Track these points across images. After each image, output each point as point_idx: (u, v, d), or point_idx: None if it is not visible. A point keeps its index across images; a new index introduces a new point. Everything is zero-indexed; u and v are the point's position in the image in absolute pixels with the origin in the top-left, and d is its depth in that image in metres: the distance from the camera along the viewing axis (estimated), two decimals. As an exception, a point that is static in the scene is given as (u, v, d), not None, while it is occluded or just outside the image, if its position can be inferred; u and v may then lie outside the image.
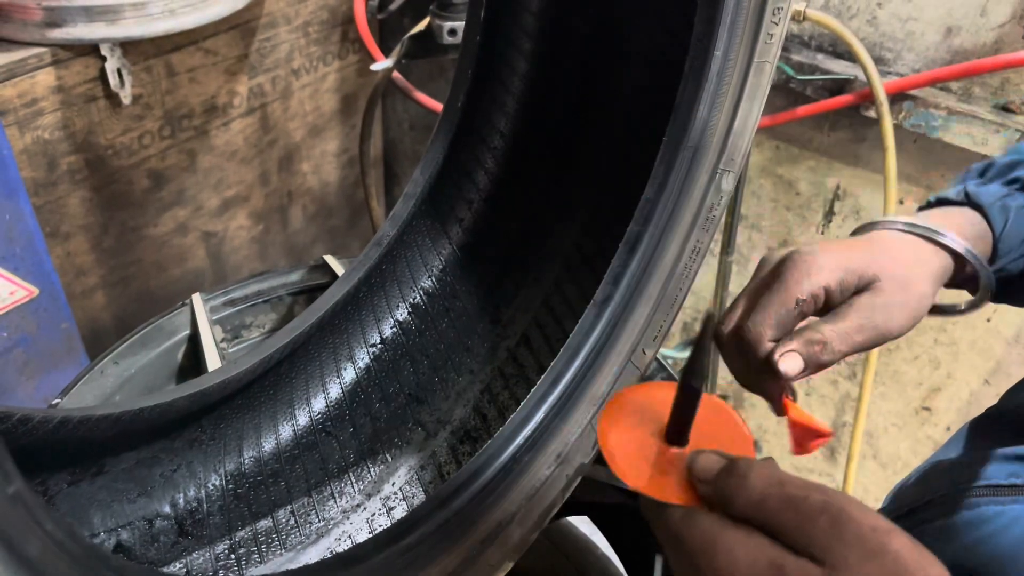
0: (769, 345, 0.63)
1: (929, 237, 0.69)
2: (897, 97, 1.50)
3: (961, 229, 0.70)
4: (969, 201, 0.73)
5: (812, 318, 0.65)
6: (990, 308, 1.61)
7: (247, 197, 2.04)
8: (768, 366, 0.63)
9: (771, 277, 0.66)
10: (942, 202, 0.76)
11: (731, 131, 0.78)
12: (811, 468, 2.05)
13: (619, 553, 1.06)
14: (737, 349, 0.66)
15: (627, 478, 0.50)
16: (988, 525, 0.66)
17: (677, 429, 0.52)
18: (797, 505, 0.41)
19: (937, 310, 0.73)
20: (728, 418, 0.56)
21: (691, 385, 0.50)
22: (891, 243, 0.69)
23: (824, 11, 1.58)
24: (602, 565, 1.07)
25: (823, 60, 1.60)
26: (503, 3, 0.95)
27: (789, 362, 0.62)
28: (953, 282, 0.72)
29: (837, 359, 0.63)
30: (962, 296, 0.75)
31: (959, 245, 0.69)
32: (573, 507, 0.91)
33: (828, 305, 0.65)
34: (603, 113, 1.02)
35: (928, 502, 0.73)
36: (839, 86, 1.56)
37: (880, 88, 1.45)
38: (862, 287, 0.65)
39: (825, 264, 0.64)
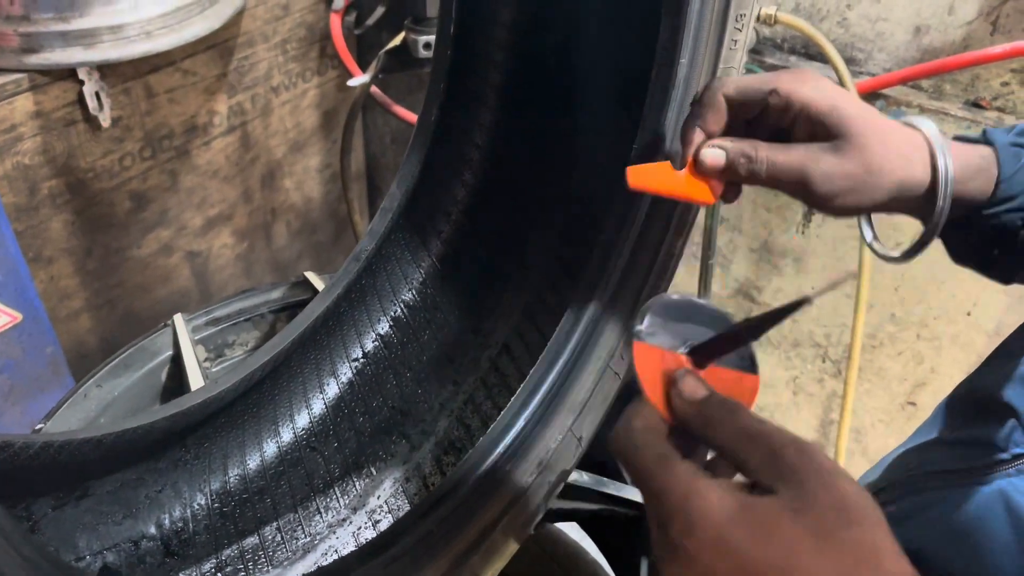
0: (719, 100, 0.63)
1: (908, 123, 0.66)
2: (870, 96, 1.52)
3: (960, 150, 0.65)
4: (985, 139, 0.69)
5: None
6: (970, 302, 1.63)
7: (230, 215, 2.04)
8: (690, 121, 0.63)
9: None
10: (960, 139, 0.70)
11: (700, 137, 0.79)
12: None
13: (608, 558, 1.07)
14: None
15: (638, 368, 0.53)
16: (933, 509, 0.67)
17: (705, 353, 0.54)
18: (768, 438, 0.45)
19: (875, 252, 0.71)
20: (748, 392, 0.56)
21: (743, 332, 0.52)
22: (881, 123, 0.65)
23: (795, 14, 1.59)
24: (591, 570, 1.08)
25: (796, 62, 1.61)
26: (473, 17, 0.97)
27: (710, 151, 0.62)
28: (923, 200, 0.66)
29: (758, 182, 0.62)
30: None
31: (933, 132, 0.64)
32: (560, 514, 0.91)
33: (791, 131, 0.64)
34: (578, 122, 1.04)
35: (881, 489, 0.74)
36: (813, 87, 1.57)
37: (853, 88, 1.47)
38: (829, 137, 0.62)
39: (821, 86, 0.62)
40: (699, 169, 0.63)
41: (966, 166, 0.65)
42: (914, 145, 0.64)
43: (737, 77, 0.65)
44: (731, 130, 0.65)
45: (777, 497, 0.43)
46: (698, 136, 0.64)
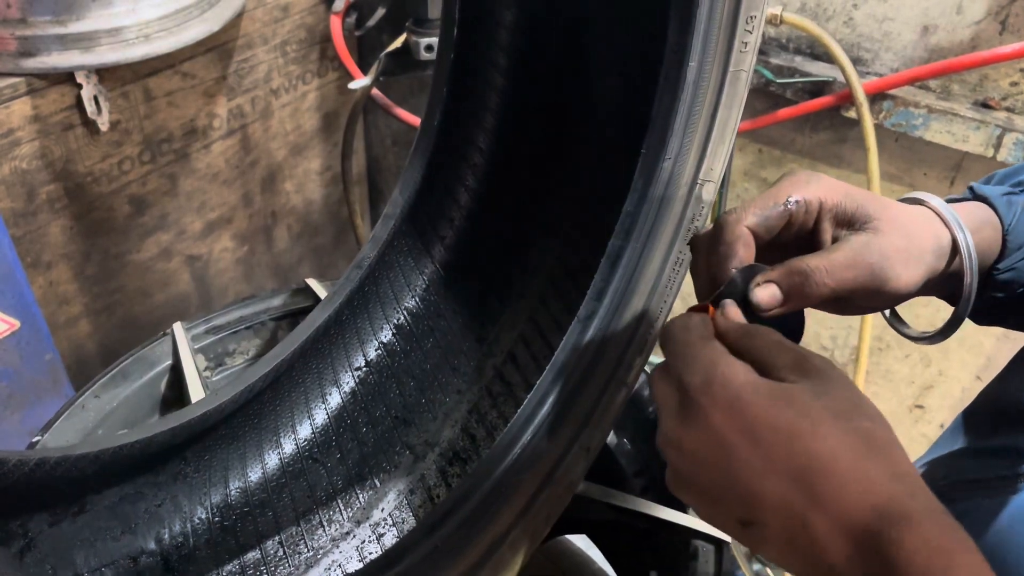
0: (742, 231, 0.59)
1: (918, 200, 0.65)
2: (877, 97, 1.50)
3: (965, 211, 0.65)
4: (975, 195, 0.69)
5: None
6: (978, 304, 1.62)
7: (230, 219, 2.02)
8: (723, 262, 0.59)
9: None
10: (950, 201, 0.72)
11: (709, 140, 0.77)
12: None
13: (616, 568, 1.05)
14: (710, 246, 0.61)
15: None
16: (963, 521, 0.65)
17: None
18: (798, 349, 0.49)
19: (907, 335, 0.70)
20: None
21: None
22: (892, 201, 0.64)
23: (800, 14, 1.58)
24: (598, 581, 1.06)
25: (802, 63, 1.60)
26: (475, 20, 0.95)
27: (763, 292, 0.57)
28: (942, 277, 0.66)
29: (823, 293, 0.57)
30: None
31: (947, 213, 0.63)
32: (568, 525, 0.90)
33: (818, 235, 0.61)
34: (582, 126, 1.02)
35: None
36: (819, 88, 1.56)
37: (859, 89, 1.45)
38: (858, 224, 0.60)
39: (826, 182, 0.61)
40: (760, 312, 0.58)
41: (973, 223, 0.64)
42: (926, 216, 0.64)
43: (749, 205, 0.61)
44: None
45: (800, 384, 0.46)
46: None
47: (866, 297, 0.61)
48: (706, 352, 0.49)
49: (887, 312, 0.71)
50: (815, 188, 0.60)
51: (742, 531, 0.47)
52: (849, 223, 0.60)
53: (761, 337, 0.51)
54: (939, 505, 0.43)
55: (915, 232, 0.61)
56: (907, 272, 0.60)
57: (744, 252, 0.59)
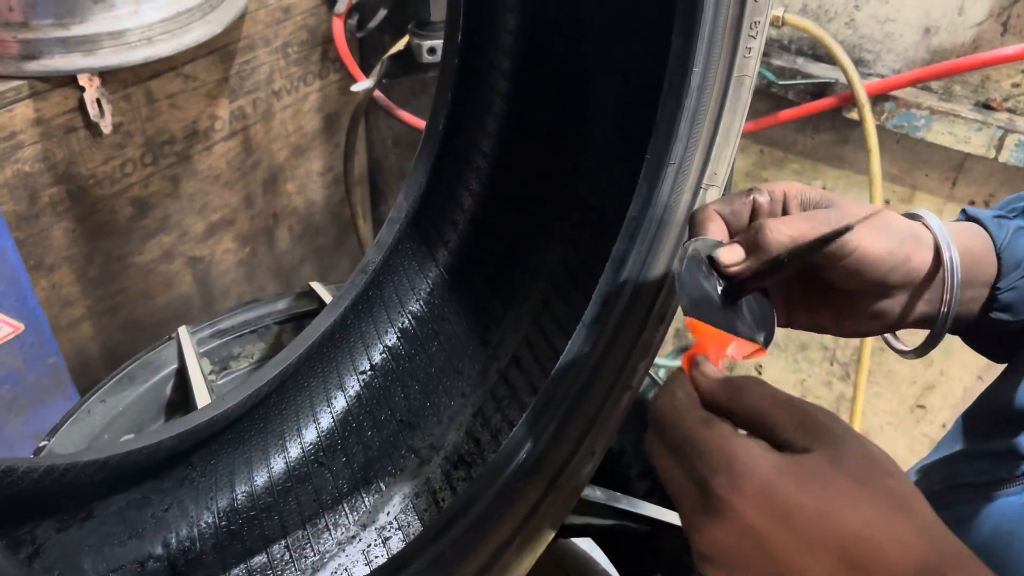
0: (710, 212, 0.63)
1: (912, 215, 0.67)
2: (879, 98, 1.50)
3: (953, 227, 0.67)
4: (967, 217, 0.71)
5: None
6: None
7: (232, 220, 2.03)
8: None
9: None
10: None
11: (713, 145, 0.77)
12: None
13: (620, 572, 1.05)
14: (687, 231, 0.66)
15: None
16: (962, 524, 0.66)
17: (738, 286, 0.59)
18: (797, 403, 0.49)
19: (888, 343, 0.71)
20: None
21: (784, 260, 0.56)
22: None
23: (802, 15, 1.58)
24: (603, 583, 1.07)
25: (804, 64, 1.60)
26: (479, 24, 0.95)
27: (726, 250, 0.60)
28: (928, 297, 0.68)
29: (781, 240, 0.58)
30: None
31: (935, 224, 0.66)
32: (573, 529, 0.90)
33: (778, 206, 0.64)
34: (586, 130, 1.02)
35: None
36: (820, 89, 1.56)
37: (861, 90, 1.46)
38: (824, 206, 0.63)
39: (796, 184, 0.64)
40: (725, 271, 0.61)
41: (961, 237, 0.66)
42: (913, 227, 0.66)
43: (716, 203, 0.65)
44: None
45: (815, 453, 0.46)
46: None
47: (845, 276, 0.62)
48: (714, 439, 0.48)
49: None
50: (780, 182, 0.64)
51: None
52: (815, 207, 0.63)
53: (750, 392, 0.50)
54: (964, 549, 0.45)
55: (885, 213, 0.64)
56: (873, 237, 0.61)
57: (713, 228, 0.63)
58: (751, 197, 0.64)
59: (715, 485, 0.46)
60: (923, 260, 0.65)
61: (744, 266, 0.60)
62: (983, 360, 1.75)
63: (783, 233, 0.59)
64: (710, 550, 0.48)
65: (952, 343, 1.73)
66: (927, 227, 0.66)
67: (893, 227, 0.64)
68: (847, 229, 0.52)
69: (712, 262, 0.61)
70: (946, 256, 0.65)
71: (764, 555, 0.46)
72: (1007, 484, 0.64)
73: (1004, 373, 0.75)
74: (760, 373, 1.99)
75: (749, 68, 0.76)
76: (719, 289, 0.61)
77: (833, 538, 0.44)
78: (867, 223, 0.61)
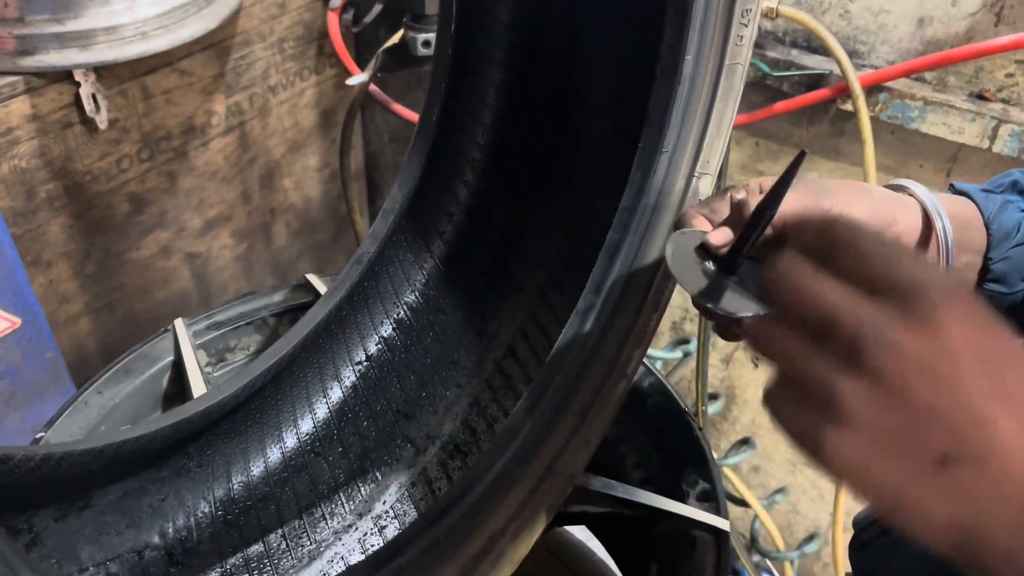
0: (694, 211, 0.67)
1: (896, 186, 0.68)
2: (873, 89, 1.50)
3: (942, 199, 0.68)
4: (955, 191, 0.72)
5: None
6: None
7: (229, 216, 2.03)
8: None
9: None
10: None
11: (706, 134, 0.78)
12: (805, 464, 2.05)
13: (615, 559, 1.06)
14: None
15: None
16: None
17: (732, 258, 0.61)
18: (888, 248, 0.43)
19: None
20: None
21: (762, 207, 0.57)
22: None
23: (796, 7, 1.58)
24: (599, 571, 1.07)
25: (798, 56, 1.60)
26: (473, 16, 0.95)
27: (718, 234, 0.62)
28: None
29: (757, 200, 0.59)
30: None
31: (922, 192, 0.66)
32: (568, 517, 0.91)
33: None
34: (580, 120, 1.02)
35: (875, 521, 0.73)
36: (815, 81, 1.56)
37: (855, 81, 1.46)
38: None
39: (769, 178, 0.64)
40: (716, 252, 0.63)
41: (949, 207, 0.67)
42: (894, 195, 0.68)
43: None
44: None
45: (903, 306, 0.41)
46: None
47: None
48: (923, 261, 0.42)
49: None
50: (755, 179, 0.67)
51: (937, 471, 0.39)
52: None
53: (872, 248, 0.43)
54: None
55: (870, 184, 0.65)
56: (853, 202, 0.62)
57: (697, 223, 0.66)
58: (728, 195, 0.66)
59: (933, 291, 0.40)
60: (911, 223, 0.65)
61: (727, 241, 0.62)
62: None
63: (760, 199, 0.60)
64: (887, 360, 0.40)
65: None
66: (912, 195, 0.67)
67: (871, 192, 0.65)
68: (803, 153, 0.54)
69: (703, 248, 0.63)
70: (935, 220, 0.65)
71: (950, 385, 0.39)
72: None
73: None
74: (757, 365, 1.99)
75: (741, 56, 0.76)
76: (714, 270, 0.62)
77: None
78: (844, 189, 0.63)
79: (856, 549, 0.84)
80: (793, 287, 0.43)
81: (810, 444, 0.42)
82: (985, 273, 0.68)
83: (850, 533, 0.89)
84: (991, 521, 0.37)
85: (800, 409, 0.43)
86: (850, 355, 0.40)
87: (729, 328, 0.67)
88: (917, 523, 0.39)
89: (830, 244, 0.44)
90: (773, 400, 0.45)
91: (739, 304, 0.59)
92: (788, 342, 0.44)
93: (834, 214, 0.51)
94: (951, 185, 0.73)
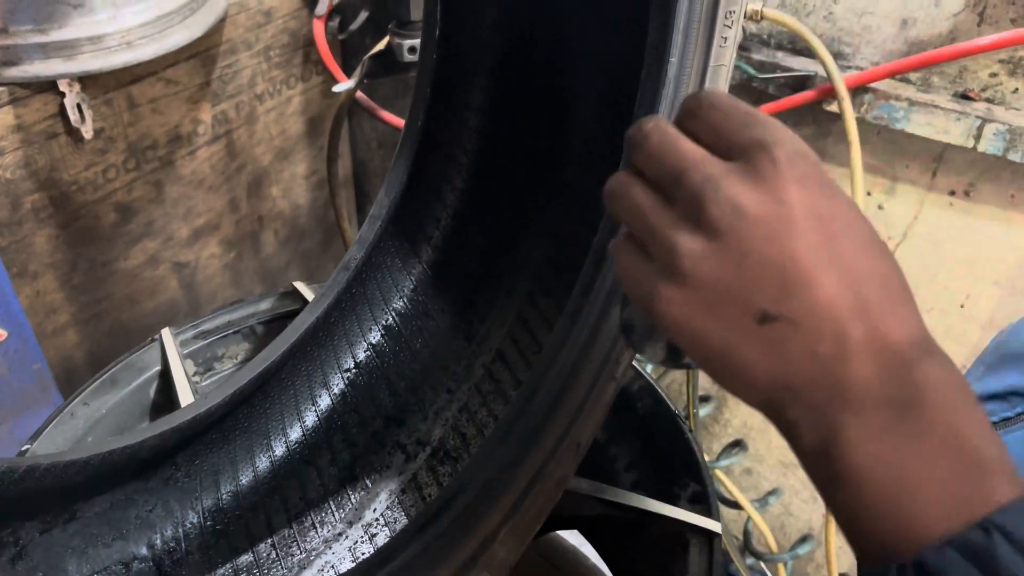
0: None
1: None
2: (858, 91, 1.51)
3: None
4: None
5: None
6: (963, 294, 1.63)
7: (217, 225, 2.02)
8: None
9: None
10: None
11: (691, 136, 0.78)
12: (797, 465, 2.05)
13: (607, 563, 1.05)
14: None
15: None
16: None
17: None
18: (742, 112, 0.44)
19: None
20: None
21: None
22: None
23: (781, 9, 1.59)
24: (591, 575, 1.07)
25: (783, 58, 1.61)
26: (457, 19, 0.95)
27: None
28: None
29: None
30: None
31: None
32: (559, 521, 0.90)
33: None
34: (566, 122, 1.02)
35: None
36: (800, 83, 1.57)
37: (840, 83, 1.46)
38: None
39: None
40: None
41: None
42: None
43: None
44: None
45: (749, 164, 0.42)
46: None
47: None
48: (774, 124, 0.43)
49: None
50: None
51: (756, 327, 0.40)
52: None
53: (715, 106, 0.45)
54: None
55: None
56: None
57: None
58: None
59: (779, 150, 0.41)
60: None
61: None
62: (967, 350, 1.76)
63: None
64: (728, 215, 0.40)
65: (935, 334, 1.74)
66: None
67: None
68: None
69: None
70: None
71: (784, 246, 0.39)
72: (1010, 423, 0.65)
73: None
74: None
75: (725, 57, 0.76)
76: None
77: (862, 267, 0.39)
78: None
79: None
80: (651, 145, 0.45)
81: (644, 297, 0.44)
82: None
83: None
84: (798, 376, 0.39)
85: (639, 262, 0.45)
86: (691, 211, 0.42)
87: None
88: (739, 379, 0.41)
89: (691, 110, 0.46)
90: (618, 251, 0.47)
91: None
92: (639, 197, 0.45)
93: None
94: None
